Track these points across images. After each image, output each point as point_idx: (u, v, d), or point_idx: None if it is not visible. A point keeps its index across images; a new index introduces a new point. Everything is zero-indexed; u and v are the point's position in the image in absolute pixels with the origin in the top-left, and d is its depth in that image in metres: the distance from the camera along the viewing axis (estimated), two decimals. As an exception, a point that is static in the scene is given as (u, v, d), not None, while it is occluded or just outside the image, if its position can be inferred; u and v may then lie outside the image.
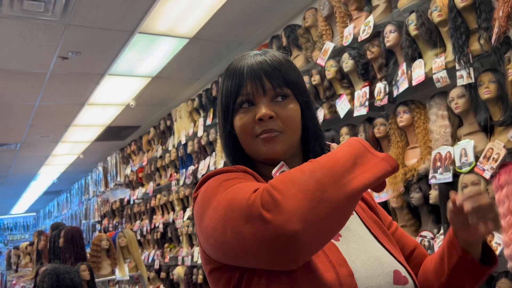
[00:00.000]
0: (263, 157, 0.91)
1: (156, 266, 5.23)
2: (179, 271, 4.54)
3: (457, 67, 2.02)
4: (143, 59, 3.85)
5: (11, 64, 3.66)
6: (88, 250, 4.08)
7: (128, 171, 6.50)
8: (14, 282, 5.16)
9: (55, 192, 11.87)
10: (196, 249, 4.38)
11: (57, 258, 3.79)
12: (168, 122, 5.17)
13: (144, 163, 5.84)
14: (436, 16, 2.10)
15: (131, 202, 6.37)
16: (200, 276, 4.20)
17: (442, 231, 2.11)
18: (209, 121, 4.20)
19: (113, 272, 3.86)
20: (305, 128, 0.95)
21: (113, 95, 4.73)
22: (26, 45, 3.34)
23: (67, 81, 4.17)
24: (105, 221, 7.56)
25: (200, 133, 4.35)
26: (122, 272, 3.85)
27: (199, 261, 4.24)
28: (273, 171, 0.91)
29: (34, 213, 16.77)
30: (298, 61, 3.09)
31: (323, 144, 0.97)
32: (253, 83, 0.89)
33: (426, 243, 2.16)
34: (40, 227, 15.33)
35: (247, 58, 0.93)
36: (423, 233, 2.21)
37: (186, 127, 4.69)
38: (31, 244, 5.58)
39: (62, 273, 2.98)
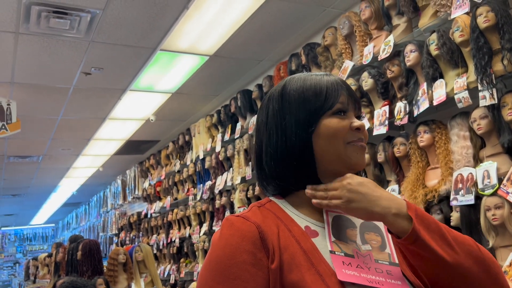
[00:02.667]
0: (349, 164, 0.91)
1: (172, 281, 5.22)
2: (194, 287, 4.52)
3: (480, 87, 1.99)
4: (164, 76, 3.91)
5: (36, 78, 3.76)
6: (105, 263, 4.10)
7: (146, 184, 6.55)
8: (32, 293, 5.20)
9: (74, 204, 12.03)
10: (212, 265, 4.36)
11: (74, 270, 3.82)
12: (187, 137, 5.21)
13: (162, 177, 5.88)
14: (458, 36, 2.09)
15: (148, 215, 6.40)
16: (216, 293, 4.17)
17: (463, 254, 2.06)
18: (227, 137, 4.21)
19: (129, 287, 3.87)
20: None
21: (134, 110, 4.80)
22: (51, 61, 3.43)
23: (89, 96, 4.25)
24: (122, 234, 7.61)
25: (218, 148, 4.36)
26: (138, 287, 3.85)
27: (215, 278, 4.21)
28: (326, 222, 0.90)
29: (53, 224, 16.99)
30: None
31: None
32: (349, 96, 0.93)
33: (447, 267, 2.11)
34: (58, 238, 15.51)
35: (325, 75, 0.96)
36: (444, 256, 2.16)
37: (204, 142, 4.72)
38: (50, 255, 5.63)
39: (79, 286, 3.00)
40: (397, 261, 0.88)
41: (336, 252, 0.85)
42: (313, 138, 0.90)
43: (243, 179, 3.93)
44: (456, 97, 2.10)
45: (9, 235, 16.52)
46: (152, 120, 4.97)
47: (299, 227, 0.89)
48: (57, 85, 3.92)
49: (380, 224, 0.93)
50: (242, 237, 0.83)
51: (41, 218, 14.78)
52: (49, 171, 7.54)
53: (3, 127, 3.96)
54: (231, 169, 4.20)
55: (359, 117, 0.95)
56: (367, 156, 2.62)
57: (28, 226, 16.71)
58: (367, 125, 2.60)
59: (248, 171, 3.85)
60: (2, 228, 15.54)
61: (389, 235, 0.91)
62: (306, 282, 0.80)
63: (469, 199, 2.02)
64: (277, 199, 0.95)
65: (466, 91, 2.06)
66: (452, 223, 2.12)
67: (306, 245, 0.85)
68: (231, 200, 4.14)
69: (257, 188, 3.69)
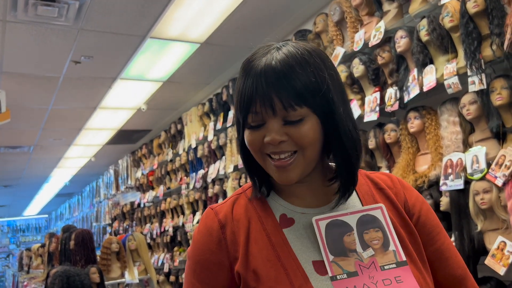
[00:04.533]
0: (276, 180, 0.85)
1: (166, 269, 5.25)
2: (188, 275, 4.54)
3: (469, 73, 2.00)
4: (155, 64, 3.88)
5: (25, 68, 3.72)
6: (98, 252, 4.11)
7: (138, 174, 6.54)
8: (25, 283, 5.20)
9: (67, 195, 11.99)
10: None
11: (67, 260, 3.82)
12: (179, 126, 5.20)
13: (155, 167, 5.87)
14: (447, 22, 2.09)
15: (142, 205, 6.40)
16: (209, 280, 4.20)
17: (453, 238, 2.09)
18: (219, 125, 4.21)
19: (122, 275, 3.88)
20: (328, 137, 0.83)
21: (125, 99, 4.77)
22: (40, 50, 3.39)
23: (79, 85, 4.21)
24: (115, 224, 7.61)
25: (210, 137, 4.36)
26: (132, 275, 3.87)
27: (208, 265, 4.23)
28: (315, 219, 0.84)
29: (46, 215, 16.96)
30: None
31: (358, 149, 0.86)
32: (262, 102, 0.79)
33: (437, 251, 2.14)
34: (52, 229, 15.48)
35: (260, 59, 0.82)
36: (434, 240, 2.18)
37: (197, 131, 4.71)
38: (43, 246, 5.63)
39: (73, 275, 3.01)
40: (404, 258, 0.81)
41: (338, 277, 0.78)
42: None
43: (236, 168, 3.94)
44: (445, 82, 2.11)
45: (2, 226, 16.46)
46: (143, 109, 4.94)
47: (273, 217, 0.86)
48: (47, 74, 3.88)
49: (377, 213, 0.84)
50: (208, 235, 0.87)
51: (34, 209, 14.73)
52: (40, 162, 7.49)
53: (-7, 117, 3.92)
54: (223, 157, 4.20)
55: (290, 121, 0.80)
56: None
57: (21, 217, 16.65)
58: (357, 112, 2.61)
59: (240, 160, 3.85)
60: (-5, 220, 15.48)
61: (389, 222, 0.83)
62: (270, 278, 0.79)
63: (459, 184, 2.04)
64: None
65: (456, 77, 2.07)
66: (441, 208, 2.14)
67: (276, 238, 0.83)
68: (224, 188, 4.15)
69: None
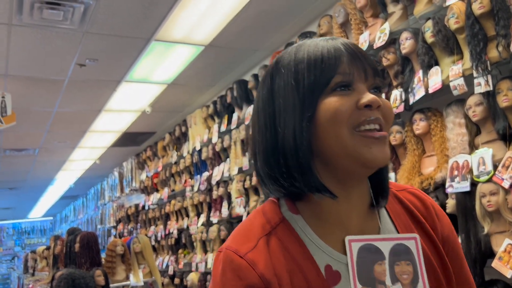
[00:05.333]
0: (362, 162, 0.69)
1: (170, 272, 5.25)
2: (193, 277, 4.54)
3: (475, 74, 1.99)
4: (159, 66, 3.89)
5: (30, 71, 3.74)
6: (103, 255, 4.12)
7: (143, 176, 6.55)
8: (31, 286, 5.22)
9: (72, 197, 12.03)
10: (210, 256, 4.38)
11: (72, 262, 3.83)
12: (183, 128, 5.21)
13: (159, 169, 5.88)
14: (453, 23, 2.08)
15: (146, 207, 6.41)
16: (214, 283, 4.20)
17: (460, 240, 2.07)
18: (223, 128, 4.21)
19: (127, 278, 3.89)
20: None
21: (130, 102, 4.78)
22: (45, 53, 3.41)
23: (84, 88, 4.23)
24: (120, 226, 7.62)
25: (214, 139, 4.36)
26: (137, 278, 3.87)
27: (213, 268, 4.23)
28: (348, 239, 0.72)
29: (51, 218, 17.00)
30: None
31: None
32: (353, 63, 0.70)
33: (443, 253, 2.13)
34: (56, 231, 15.53)
35: (327, 40, 0.73)
36: (440, 242, 2.17)
37: (201, 134, 4.71)
38: (48, 248, 5.64)
39: (78, 278, 3.02)
40: None
41: None
42: (311, 127, 0.69)
43: (240, 170, 3.94)
44: (451, 84, 2.10)
45: (7, 228, 16.52)
46: (148, 111, 4.95)
47: (317, 268, 0.71)
48: (52, 77, 3.90)
49: (411, 244, 0.75)
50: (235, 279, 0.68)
51: (39, 211, 14.78)
52: (45, 164, 7.52)
53: (-2, 120, 3.94)
54: (228, 159, 4.20)
55: (377, 88, 0.73)
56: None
57: (26, 219, 16.71)
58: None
59: (245, 162, 3.85)
60: (0, 222, 15.54)
61: (421, 256, 0.75)
62: None
63: (465, 186, 2.02)
64: (290, 213, 0.75)
65: (462, 78, 2.06)
66: (447, 210, 2.13)
67: None
68: (228, 191, 4.15)
69: (254, 178, 3.69)
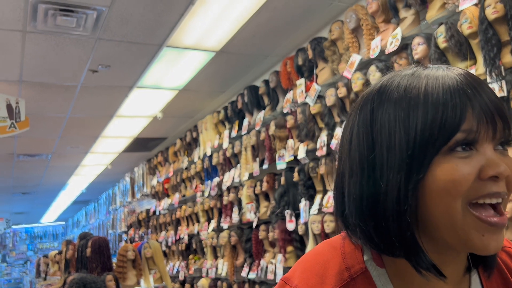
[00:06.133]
0: (469, 247, 0.56)
1: (181, 277, 5.25)
2: (203, 283, 4.54)
3: (489, 80, 1.97)
4: (171, 72, 3.91)
5: (44, 77, 3.78)
6: (114, 260, 4.13)
7: (154, 182, 6.58)
8: (42, 290, 5.25)
9: (83, 202, 12.12)
10: (220, 261, 4.37)
11: (84, 267, 3.85)
12: (194, 134, 5.22)
13: (170, 174, 5.90)
14: (466, 28, 2.06)
15: (157, 212, 6.43)
16: (224, 289, 4.19)
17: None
18: (234, 133, 4.21)
19: (138, 283, 3.89)
20: None
21: (141, 107, 4.81)
22: (59, 59, 3.45)
23: (96, 94, 4.27)
24: (131, 231, 7.66)
25: (225, 145, 4.37)
26: (147, 283, 3.87)
27: (223, 273, 4.23)
28: None
29: (63, 222, 17.15)
30: (324, 74, 3.08)
31: None
32: (481, 115, 0.55)
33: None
34: (68, 235, 15.65)
35: (441, 70, 0.59)
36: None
37: (212, 139, 4.72)
38: (60, 253, 5.68)
39: (89, 282, 3.03)
40: None
41: None
42: (419, 191, 0.56)
43: (251, 175, 3.93)
44: (464, 89, 2.08)
45: (20, 233, 16.69)
46: (159, 117, 4.98)
47: None
48: (65, 83, 3.94)
49: None
50: None
51: (51, 216, 14.92)
52: (58, 169, 7.59)
53: (12, 126, 3.99)
54: (238, 165, 4.20)
55: (505, 143, 0.58)
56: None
57: (39, 224, 16.87)
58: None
59: (255, 167, 3.85)
60: (13, 226, 15.71)
61: None
62: None
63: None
64: (375, 264, 0.62)
65: (475, 84, 2.04)
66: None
67: None
68: (239, 196, 4.15)
69: (264, 184, 3.68)
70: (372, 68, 2.59)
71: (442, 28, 2.19)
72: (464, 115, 0.54)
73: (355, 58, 2.74)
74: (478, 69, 2.06)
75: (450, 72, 0.58)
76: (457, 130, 0.54)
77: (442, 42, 2.18)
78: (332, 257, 0.63)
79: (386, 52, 2.51)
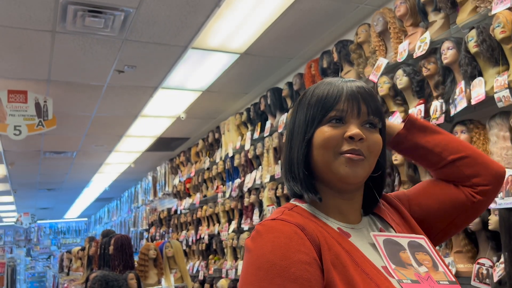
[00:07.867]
0: (338, 177, 0.87)
1: (201, 277, 5.27)
2: (223, 284, 4.54)
3: (522, 86, 1.91)
4: (195, 74, 3.93)
5: (71, 76, 3.86)
6: (135, 258, 4.17)
7: (176, 181, 6.63)
8: (65, 285, 5.35)
9: (106, 199, 12.31)
10: (240, 263, 4.37)
11: (106, 265, 3.90)
12: (216, 135, 5.24)
13: (192, 174, 5.93)
14: (499, 33, 2.00)
15: (178, 212, 6.48)
16: (244, 291, 4.18)
17: (502, 259, 1.98)
18: (256, 135, 4.21)
19: (159, 282, 3.92)
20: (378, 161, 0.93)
21: (165, 108, 4.86)
22: (86, 59, 3.51)
23: (122, 94, 4.33)
24: (152, 230, 7.73)
25: (247, 146, 4.36)
26: (168, 282, 3.90)
27: (243, 275, 4.22)
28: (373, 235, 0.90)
29: (86, 219, 17.46)
30: (349, 77, 3.05)
31: (385, 176, 0.98)
32: (350, 102, 0.89)
33: (484, 271, 2.04)
34: (91, 232, 15.92)
35: (341, 81, 0.93)
36: (481, 260, 2.08)
37: (234, 140, 4.73)
38: (83, 249, 5.78)
39: (111, 280, 3.06)
40: (453, 279, 0.88)
41: (404, 280, 0.83)
42: (309, 148, 0.90)
43: (272, 178, 3.92)
44: (496, 96, 2.02)
45: (44, 228, 17.08)
46: (182, 117, 5.02)
47: (332, 228, 0.88)
48: (92, 82, 4.01)
49: (422, 241, 0.93)
50: (288, 238, 0.80)
51: (74, 212, 15.20)
52: (82, 167, 7.73)
53: (40, 124, 4.08)
54: (260, 167, 4.19)
55: (372, 124, 0.90)
56: (399, 158, 2.56)
57: (62, 219, 17.23)
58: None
59: (277, 170, 3.83)
60: (38, 221, 16.08)
61: (433, 249, 0.92)
62: (357, 282, 0.78)
63: (509, 202, 1.93)
64: (300, 203, 0.93)
65: (507, 90, 1.98)
66: (490, 227, 2.04)
67: (346, 245, 0.84)
68: (260, 198, 4.14)
69: (285, 187, 3.66)
70: (399, 72, 2.55)
71: (473, 33, 2.14)
72: (337, 100, 0.89)
73: (382, 62, 2.70)
74: (511, 75, 2.00)
75: (347, 81, 0.92)
76: (331, 109, 0.89)
77: (473, 47, 2.13)
78: (272, 215, 0.92)
79: (414, 56, 2.46)
